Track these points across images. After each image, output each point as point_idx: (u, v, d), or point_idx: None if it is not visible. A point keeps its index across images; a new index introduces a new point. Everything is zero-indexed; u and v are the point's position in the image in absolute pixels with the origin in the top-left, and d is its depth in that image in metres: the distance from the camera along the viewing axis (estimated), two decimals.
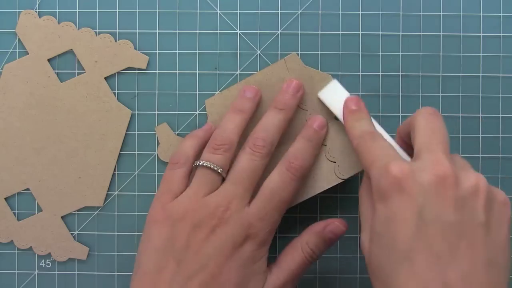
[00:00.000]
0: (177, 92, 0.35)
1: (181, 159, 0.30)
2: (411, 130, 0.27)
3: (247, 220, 0.29)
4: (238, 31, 0.35)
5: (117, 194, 0.35)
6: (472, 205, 0.24)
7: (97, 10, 0.35)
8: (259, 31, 0.35)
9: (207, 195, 0.29)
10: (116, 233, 0.35)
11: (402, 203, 0.24)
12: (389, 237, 0.24)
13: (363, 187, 0.28)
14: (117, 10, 0.35)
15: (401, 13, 0.35)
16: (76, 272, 0.35)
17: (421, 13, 0.35)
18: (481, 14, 0.35)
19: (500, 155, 0.35)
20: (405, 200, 0.24)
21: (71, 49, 0.35)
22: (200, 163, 0.30)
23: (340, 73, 0.35)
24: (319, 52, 0.35)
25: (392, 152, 0.27)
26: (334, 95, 0.32)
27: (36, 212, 0.35)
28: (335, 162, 0.32)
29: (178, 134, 0.35)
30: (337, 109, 0.31)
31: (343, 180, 0.32)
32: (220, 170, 0.29)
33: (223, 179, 0.30)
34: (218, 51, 0.35)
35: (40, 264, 0.35)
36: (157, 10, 0.35)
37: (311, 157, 0.31)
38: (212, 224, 0.28)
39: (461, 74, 0.35)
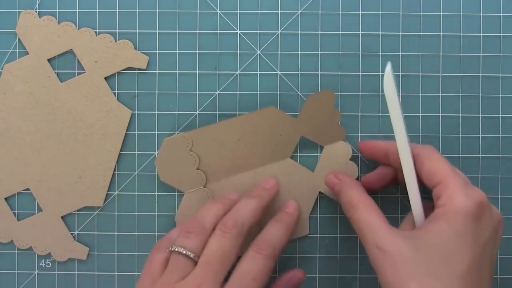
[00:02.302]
0: (177, 92, 0.35)
1: (163, 245, 0.30)
2: (424, 158, 0.29)
3: None
4: (238, 31, 0.35)
5: (117, 194, 0.35)
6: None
7: (97, 10, 0.35)
8: (259, 31, 0.35)
9: (178, 282, 0.28)
10: (116, 233, 0.35)
11: (483, 224, 0.27)
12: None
13: (355, 195, 0.30)
14: (117, 10, 0.35)
15: (401, 13, 0.35)
16: (76, 272, 0.35)
17: (421, 13, 0.35)
18: (481, 14, 0.35)
19: (500, 155, 0.35)
20: (485, 220, 0.27)
21: (71, 49, 0.35)
22: (173, 248, 0.29)
23: (340, 73, 0.35)
24: (319, 52, 0.35)
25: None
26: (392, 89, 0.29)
27: (36, 212, 0.35)
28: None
29: (179, 133, 0.35)
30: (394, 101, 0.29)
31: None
32: (192, 255, 0.29)
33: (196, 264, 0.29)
34: (218, 51, 0.35)
35: (40, 264, 0.35)
36: (157, 10, 0.35)
37: (283, 237, 0.31)
38: None
39: (461, 74, 0.35)
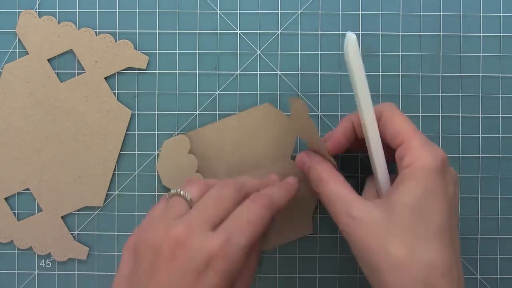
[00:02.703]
0: (177, 92, 0.35)
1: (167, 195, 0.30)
2: (383, 118, 0.29)
3: (208, 244, 0.27)
4: (238, 31, 0.35)
5: (117, 194, 0.35)
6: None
7: (97, 10, 0.35)
8: (259, 31, 0.35)
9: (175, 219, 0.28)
10: (116, 233, 0.35)
11: (446, 178, 0.28)
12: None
13: (324, 169, 0.30)
14: (117, 10, 0.35)
15: (401, 13, 0.35)
16: (76, 272, 0.35)
17: (421, 13, 0.35)
18: (481, 14, 0.35)
19: (500, 155, 0.35)
20: (448, 175, 0.28)
21: (71, 49, 0.35)
22: (173, 191, 0.29)
23: (340, 73, 0.35)
24: (319, 52, 0.35)
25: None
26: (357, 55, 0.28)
27: (36, 212, 0.35)
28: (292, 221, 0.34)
29: (178, 134, 0.35)
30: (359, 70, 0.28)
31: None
32: (189, 197, 0.28)
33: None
34: (218, 51, 0.35)
35: (40, 264, 0.35)
36: (157, 10, 0.35)
37: (280, 198, 0.30)
38: (171, 248, 0.26)
39: (461, 74, 0.35)
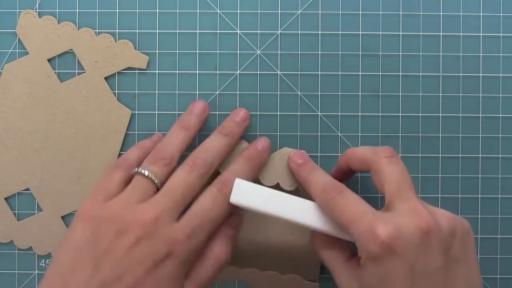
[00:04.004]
0: (177, 92, 0.35)
1: (123, 165, 0.30)
2: (372, 171, 0.28)
3: (172, 236, 0.28)
4: (238, 31, 0.35)
5: None
6: (451, 243, 0.25)
7: (97, 10, 0.35)
8: (259, 31, 0.35)
9: (138, 203, 0.28)
10: None
11: (394, 263, 0.24)
12: None
13: (324, 240, 0.29)
14: (117, 10, 0.35)
15: (401, 13, 0.35)
16: None
17: (421, 13, 0.35)
18: (481, 14, 0.35)
19: (500, 155, 0.35)
20: (397, 260, 0.24)
21: (71, 49, 0.35)
22: (138, 170, 0.29)
23: (340, 73, 0.35)
24: (319, 52, 0.35)
25: (366, 207, 0.26)
26: (249, 192, 0.29)
27: (36, 212, 0.35)
28: (278, 184, 0.33)
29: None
30: (259, 203, 0.29)
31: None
32: (156, 181, 0.29)
33: (158, 191, 0.29)
34: (218, 51, 0.35)
35: (40, 264, 0.35)
36: (157, 10, 0.35)
37: (247, 178, 0.31)
38: (137, 234, 0.27)
39: (461, 74, 0.35)
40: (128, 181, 0.30)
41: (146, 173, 0.29)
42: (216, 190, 0.30)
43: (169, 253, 0.27)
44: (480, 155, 0.35)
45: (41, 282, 0.27)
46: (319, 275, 0.34)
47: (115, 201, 0.28)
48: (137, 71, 0.35)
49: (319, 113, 0.35)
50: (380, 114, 0.35)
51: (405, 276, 0.24)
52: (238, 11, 0.35)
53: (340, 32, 0.35)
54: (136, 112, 0.35)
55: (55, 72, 0.35)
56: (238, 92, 0.35)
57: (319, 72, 0.35)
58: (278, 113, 0.35)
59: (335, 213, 0.27)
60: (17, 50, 0.35)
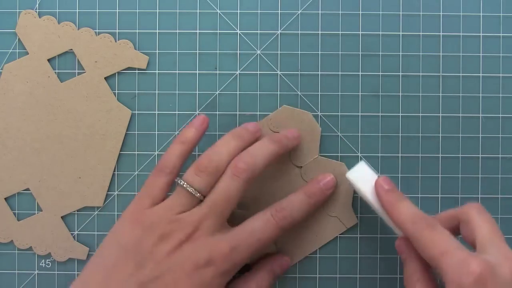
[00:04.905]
0: (177, 92, 0.35)
1: (167, 168, 0.30)
2: (462, 223, 0.29)
3: (216, 245, 0.29)
4: (238, 31, 0.35)
5: (117, 194, 0.35)
6: None
7: (97, 10, 0.35)
8: (259, 31, 0.35)
9: (182, 213, 0.29)
10: None
11: None
12: None
13: (416, 270, 0.29)
14: (117, 10, 0.35)
15: (401, 13, 0.35)
16: (76, 272, 0.35)
17: (421, 13, 0.35)
18: (481, 14, 0.35)
19: (500, 155, 0.35)
20: None
21: (71, 49, 0.35)
22: (181, 183, 0.29)
23: (340, 73, 0.35)
24: (319, 52, 0.35)
25: (459, 243, 0.27)
26: (364, 176, 0.32)
27: (36, 212, 0.35)
28: (336, 216, 0.34)
29: (178, 134, 0.35)
30: (367, 190, 0.31)
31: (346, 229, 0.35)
32: (198, 195, 0.29)
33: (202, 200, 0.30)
34: (218, 51, 0.35)
35: (40, 264, 0.35)
36: (157, 10, 0.35)
37: (304, 213, 0.32)
38: (179, 238, 0.28)
39: (461, 74, 0.35)
40: (171, 183, 0.30)
41: (188, 188, 0.29)
42: (270, 214, 0.30)
43: (210, 260, 0.28)
44: (480, 155, 0.35)
45: (82, 271, 0.29)
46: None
47: (159, 209, 0.29)
48: (137, 71, 0.35)
49: (319, 113, 0.35)
50: (380, 114, 0.35)
51: None
52: (238, 11, 0.35)
53: (340, 32, 0.35)
54: (136, 112, 0.35)
55: (55, 72, 0.35)
56: (238, 92, 0.35)
57: (319, 72, 0.35)
58: None
59: (426, 244, 0.27)
60: (17, 50, 0.35)
